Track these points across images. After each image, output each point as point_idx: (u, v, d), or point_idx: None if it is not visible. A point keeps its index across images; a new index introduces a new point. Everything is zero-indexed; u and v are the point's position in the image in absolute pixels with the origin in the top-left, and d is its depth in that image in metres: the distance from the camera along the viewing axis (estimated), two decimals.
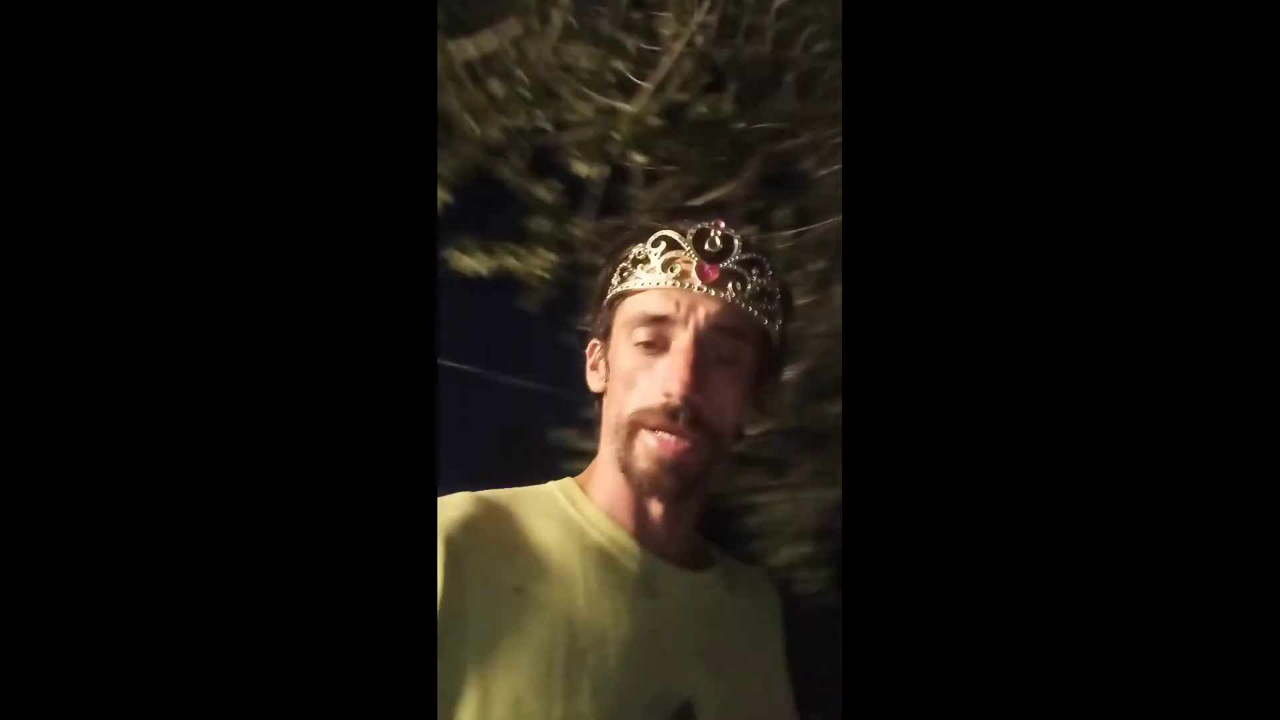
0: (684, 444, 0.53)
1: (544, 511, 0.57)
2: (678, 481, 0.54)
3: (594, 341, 0.62)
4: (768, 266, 0.57)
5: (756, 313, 0.56)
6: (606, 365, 0.60)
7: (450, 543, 0.50)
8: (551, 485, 0.61)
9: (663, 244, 0.56)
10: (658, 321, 0.55)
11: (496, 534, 0.54)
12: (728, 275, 0.55)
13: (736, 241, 0.56)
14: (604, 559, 0.55)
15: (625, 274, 0.58)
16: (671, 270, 0.55)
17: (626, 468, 0.55)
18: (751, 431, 0.61)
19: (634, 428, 0.54)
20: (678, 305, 0.54)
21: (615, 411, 0.56)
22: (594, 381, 0.62)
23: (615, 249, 0.60)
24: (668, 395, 0.53)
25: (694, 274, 0.54)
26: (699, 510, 0.61)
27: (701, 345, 0.54)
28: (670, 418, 0.53)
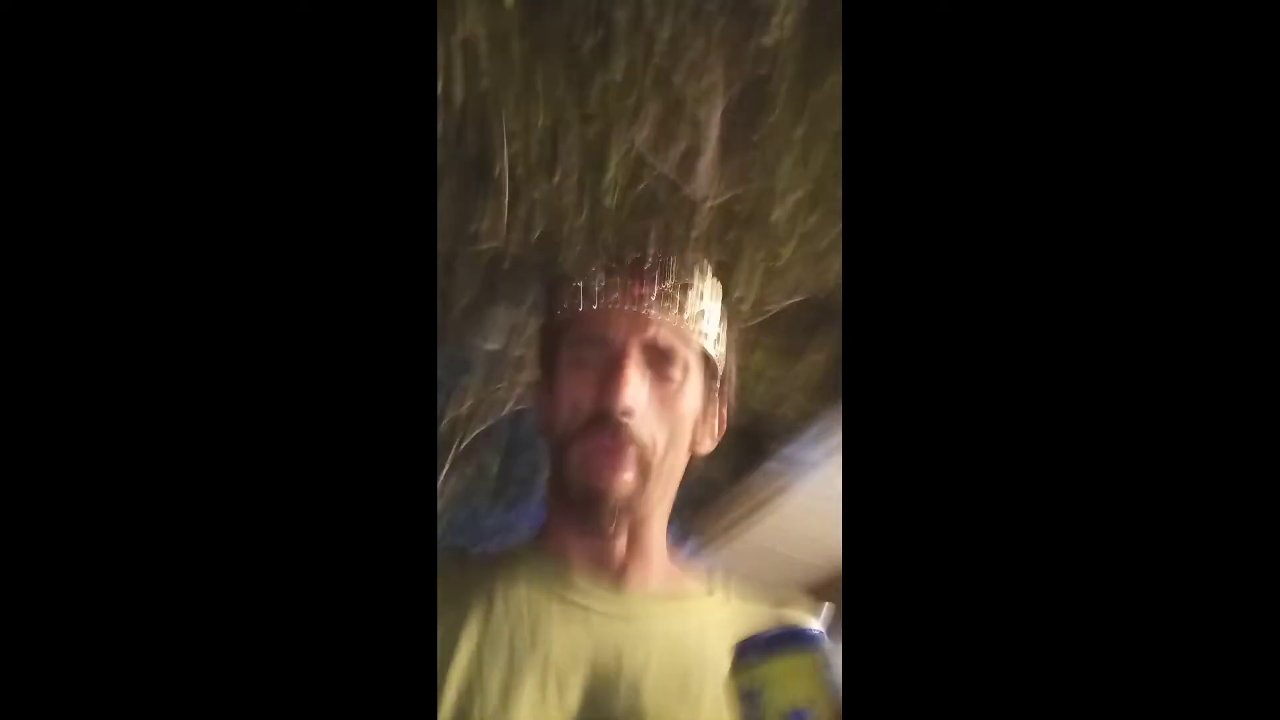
0: (617, 460, 0.54)
1: (485, 567, 0.57)
2: (608, 512, 0.54)
3: (543, 384, 0.63)
4: (704, 290, 0.59)
5: (695, 333, 0.58)
6: (552, 403, 0.59)
7: None
8: (512, 547, 0.62)
9: (600, 270, 0.58)
10: (594, 344, 0.56)
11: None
12: (663, 296, 0.57)
13: (672, 264, 0.59)
14: (524, 593, 0.55)
15: (563, 304, 0.59)
16: (608, 293, 0.57)
17: (561, 497, 0.56)
18: (704, 452, 0.63)
19: (570, 448, 0.56)
20: (613, 326, 0.56)
21: (553, 435, 0.58)
22: (545, 423, 0.62)
23: (553, 281, 0.61)
24: (599, 411, 0.54)
25: (630, 295, 0.57)
26: (653, 539, 0.60)
27: (636, 363, 0.55)
28: (602, 434, 0.54)
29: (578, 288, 0.58)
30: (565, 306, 0.59)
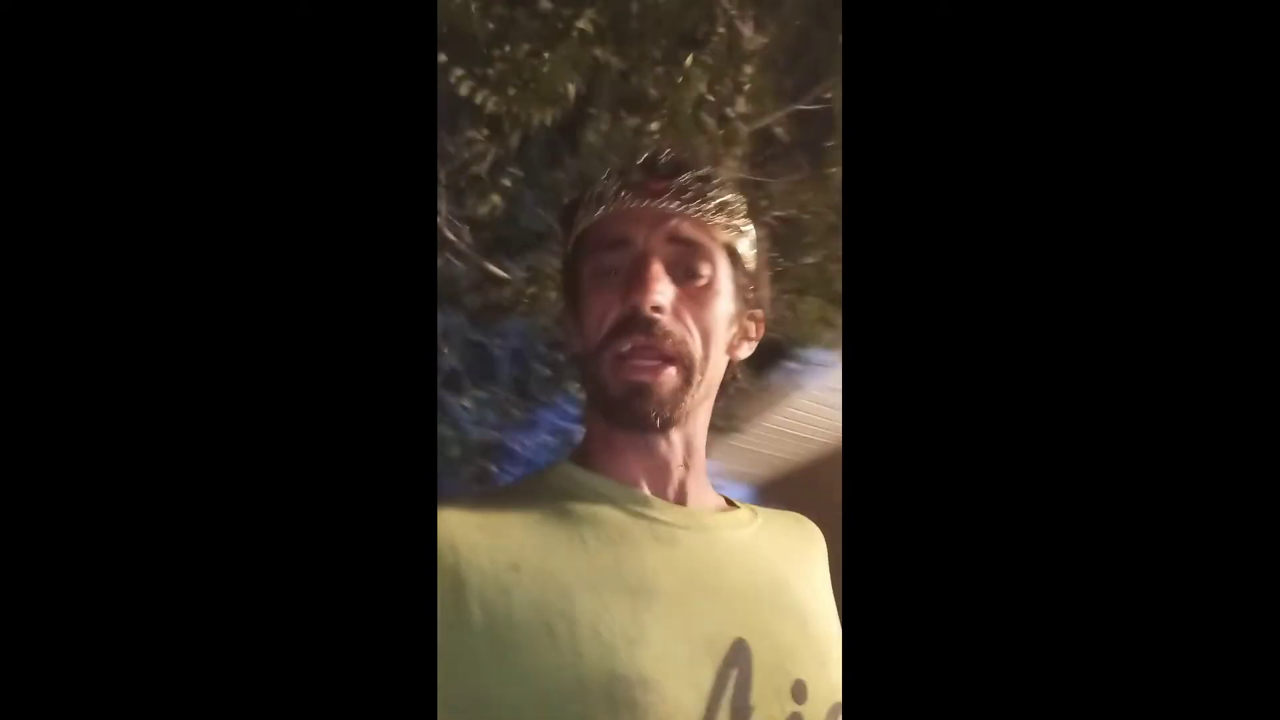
0: (654, 361, 0.51)
1: (531, 492, 0.55)
2: (654, 404, 0.51)
3: (564, 308, 0.61)
4: (727, 183, 0.57)
5: (719, 225, 0.55)
6: (577, 319, 0.56)
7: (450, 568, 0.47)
8: (540, 470, 0.59)
9: (615, 174, 0.55)
10: (617, 245, 0.53)
11: (476, 520, 0.50)
12: (681, 188, 0.54)
13: (688, 158, 0.57)
14: (610, 512, 0.52)
15: (584, 213, 0.56)
16: (622, 197, 0.54)
17: (602, 403, 0.53)
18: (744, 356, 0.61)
19: (602, 354, 0.52)
20: (633, 225, 0.53)
21: (588, 347, 0.54)
22: (573, 345, 0.59)
23: (573, 202, 0.59)
24: (630, 308, 0.51)
25: (647, 191, 0.54)
26: (699, 452, 0.58)
27: (662, 256, 0.52)
28: (636, 332, 0.51)
29: (592, 194, 0.56)
30: (581, 218, 0.56)
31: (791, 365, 2.46)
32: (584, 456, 0.56)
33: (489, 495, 0.56)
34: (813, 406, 2.83)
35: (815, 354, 2.37)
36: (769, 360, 2.46)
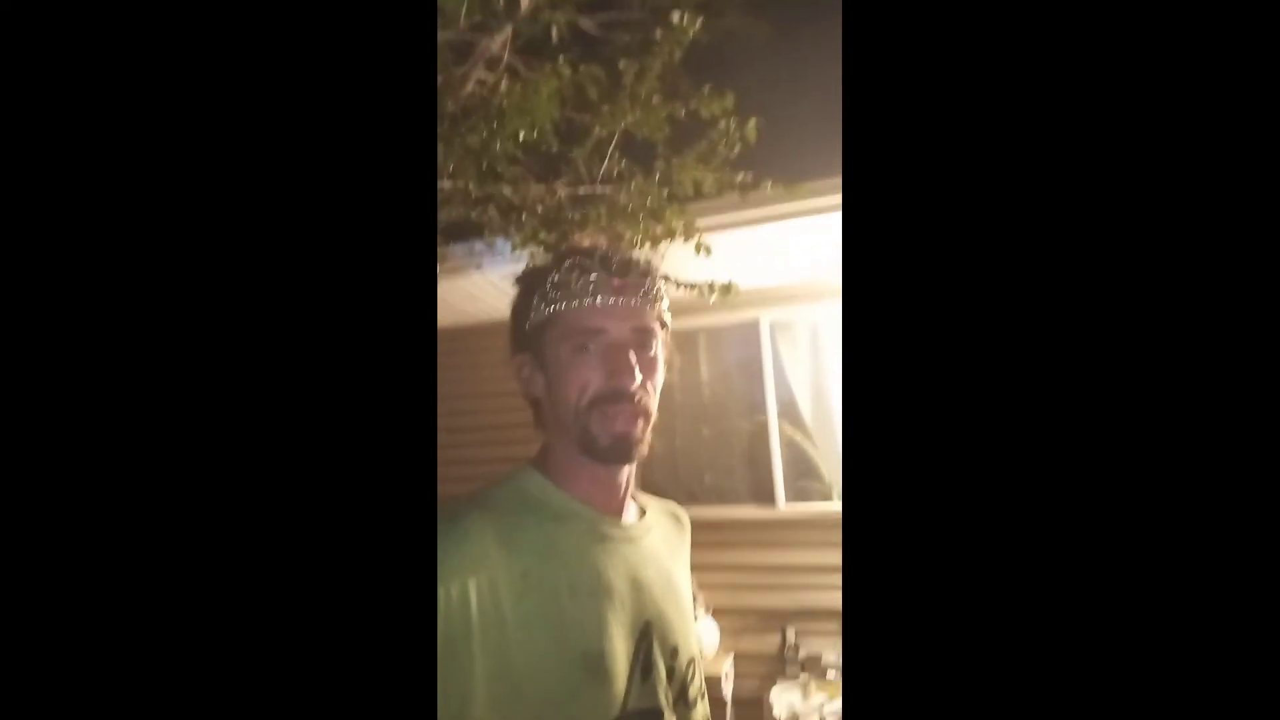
0: (632, 418, 0.69)
1: (521, 505, 0.69)
2: (631, 447, 0.69)
3: (522, 356, 0.75)
4: (657, 270, 0.74)
5: (658, 306, 0.73)
6: (543, 373, 0.73)
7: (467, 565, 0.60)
8: (517, 478, 0.73)
9: (576, 270, 0.70)
10: (594, 333, 0.69)
11: (496, 537, 0.64)
12: (634, 286, 0.71)
13: (633, 257, 0.73)
14: (577, 530, 0.69)
15: (549, 299, 0.71)
16: (591, 292, 0.70)
17: (589, 448, 0.69)
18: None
19: (592, 413, 0.69)
20: (606, 318, 0.69)
21: (568, 405, 0.70)
22: (533, 389, 0.75)
23: (529, 276, 0.74)
24: (620, 385, 0.68)
25: (611, 291, 0.70)
26: (634, 472, 0.76)
27: (630, 345, 0.70)
28: (622, 401, 0.68)
29: (557, 279, 0.70)
30: (548, 303, 0.70)
31: (479, 245, 2.53)
32: (547, 468, 0.73)
33: (485, 504, 0.68)
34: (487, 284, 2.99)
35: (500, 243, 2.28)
36: (459, 234, 2.42)
